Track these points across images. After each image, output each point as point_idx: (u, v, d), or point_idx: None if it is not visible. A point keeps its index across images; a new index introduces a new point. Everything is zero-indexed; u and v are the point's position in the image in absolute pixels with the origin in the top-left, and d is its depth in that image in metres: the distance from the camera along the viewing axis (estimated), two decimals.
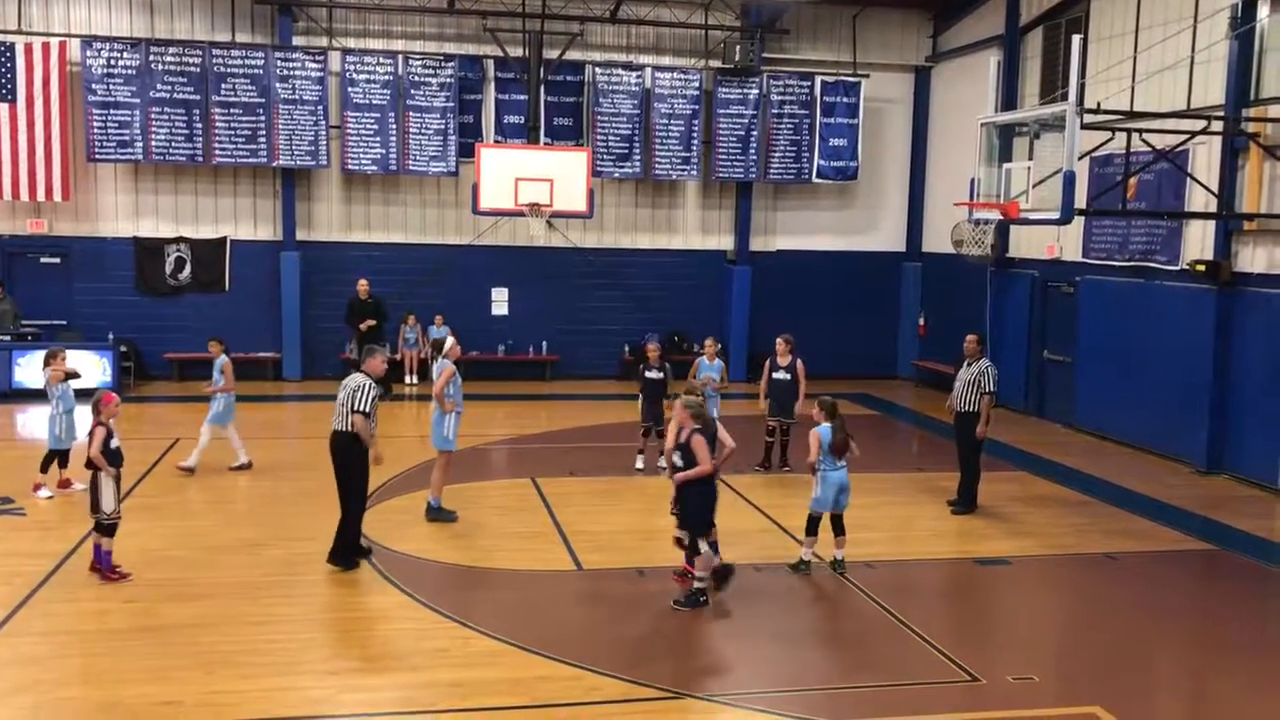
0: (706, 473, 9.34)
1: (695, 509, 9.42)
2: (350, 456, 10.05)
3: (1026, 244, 19.53)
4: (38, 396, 14.98)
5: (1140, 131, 13.61)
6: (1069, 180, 11.78)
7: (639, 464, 14.36)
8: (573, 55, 21.01)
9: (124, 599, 9.25)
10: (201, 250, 20.74)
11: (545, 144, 20.56)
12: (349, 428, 9.96)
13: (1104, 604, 10.04)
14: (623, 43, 21.75)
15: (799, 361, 14.22)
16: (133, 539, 10.80)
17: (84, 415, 11.24)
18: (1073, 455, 16.13)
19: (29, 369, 17.80)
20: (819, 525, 10.41)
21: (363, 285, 19.57)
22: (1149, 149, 13.81)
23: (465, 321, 20.45)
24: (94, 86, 19.45)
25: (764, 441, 14.69)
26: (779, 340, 14.43)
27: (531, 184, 18.72)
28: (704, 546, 9.40)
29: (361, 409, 9.96)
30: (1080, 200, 14.04)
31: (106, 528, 9.74)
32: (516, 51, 20.65)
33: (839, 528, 10.46)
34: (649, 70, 21.36)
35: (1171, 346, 15.75)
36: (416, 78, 20.50)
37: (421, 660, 8.22)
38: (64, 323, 19.93)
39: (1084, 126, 12.34)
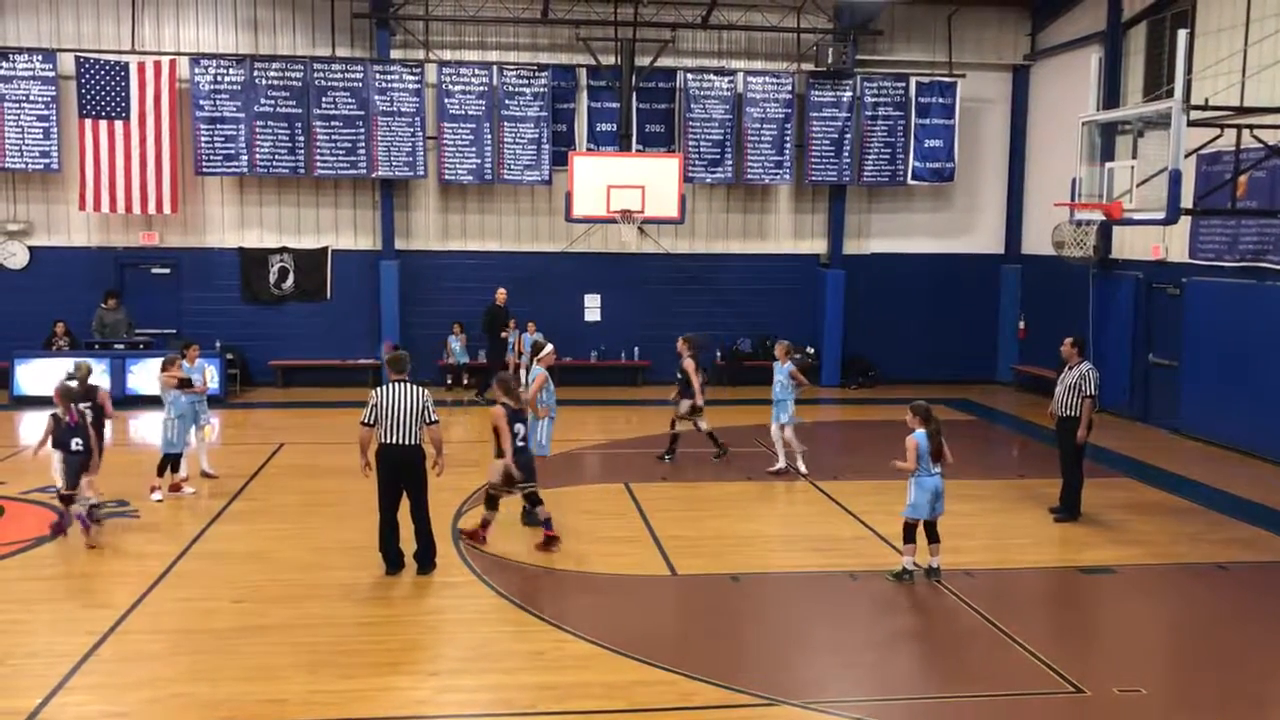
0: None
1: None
2: (424, 467, 10.27)
3: (1130, 245, 19.02)
4: (150, 402, 15.52)
5: (1251, 127, 13.17)
6: (1175, 179, 11.44)
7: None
8: (664, 62, 21.08)
9: (231, 599, 9.53)
10: (304, 260, 21.30)
11: (637, 151, 20.65)
12: (419, 440, 10.13)
13: (1215, 615, 9.72)
14: (714, 48, 21.75)
15: (688, 362, 14.70)
16: (239, 541, 11.17)
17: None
18: (1179, 461, 15.65)
19: (141, 376, 18.45)
20: (915, 532, 10.26)
21: (501, 294, 20.10)
22: (1260, 145, 13.34)
23: (559, 328, 20.57)
24: (201, 102, 20.10)
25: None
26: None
27: (624, 191, 18.85)
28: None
29: (438, 419, 10.25)
30: (1187, 199, 13.61)
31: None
32: (609, 60, 20.81)
33: (933, 535, 10.29)
34: (741, 75, 21.33)
35: None
36: (511, 88, 20.77)
37: (517, 663, 8.31)
38: (173, 331, 20.51)
39: (1191, 123, 11.98)
